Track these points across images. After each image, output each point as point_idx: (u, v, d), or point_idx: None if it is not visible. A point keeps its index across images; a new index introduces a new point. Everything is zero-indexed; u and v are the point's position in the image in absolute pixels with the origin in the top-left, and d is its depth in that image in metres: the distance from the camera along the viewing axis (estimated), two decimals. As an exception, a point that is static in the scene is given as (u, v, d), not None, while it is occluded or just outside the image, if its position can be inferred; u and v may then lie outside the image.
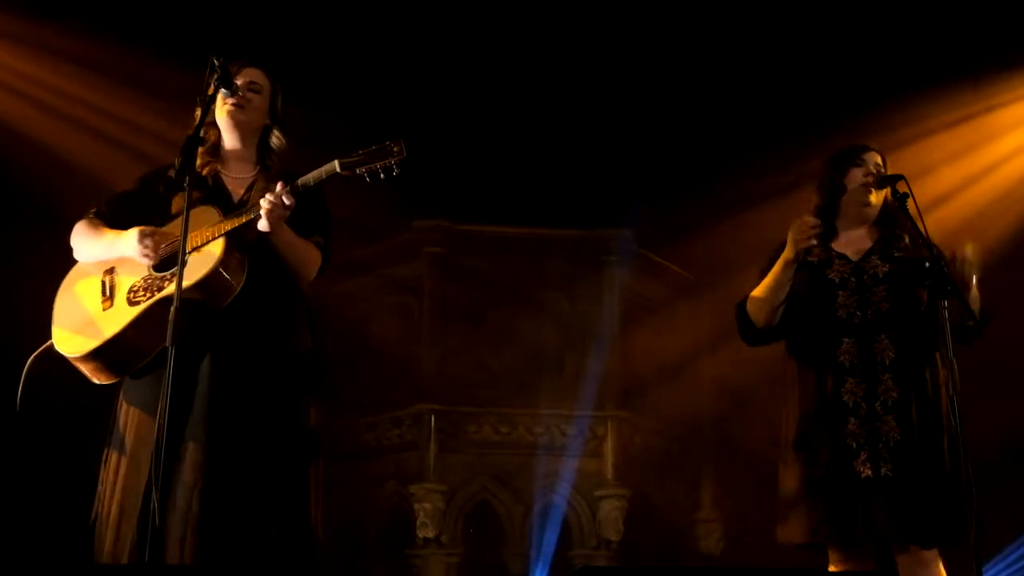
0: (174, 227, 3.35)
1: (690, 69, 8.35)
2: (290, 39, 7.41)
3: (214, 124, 3.55)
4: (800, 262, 3.74)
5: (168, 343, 2.92)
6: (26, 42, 6.82)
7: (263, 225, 3.31)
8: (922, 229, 3.63)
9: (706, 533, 9.82)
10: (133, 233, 3.38)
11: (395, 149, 3.27)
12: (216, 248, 3.31)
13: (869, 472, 3.56)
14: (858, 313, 3.70)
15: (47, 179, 6.80)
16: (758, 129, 8.25)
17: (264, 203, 3.29)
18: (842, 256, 3.81)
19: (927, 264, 3.65)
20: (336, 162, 3.30)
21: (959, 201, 7.29)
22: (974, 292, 3.63)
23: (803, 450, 3.67)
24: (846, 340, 3.68)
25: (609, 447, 9.15)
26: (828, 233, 3.83)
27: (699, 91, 8.46)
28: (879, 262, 3.76)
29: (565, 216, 9.28)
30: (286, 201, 3.27)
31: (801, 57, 7.94)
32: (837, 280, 3.76)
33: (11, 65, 6.88)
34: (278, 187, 3.30)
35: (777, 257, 3.78)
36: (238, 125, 3.53)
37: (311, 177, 3.34)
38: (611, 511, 8.97)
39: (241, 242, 3.36)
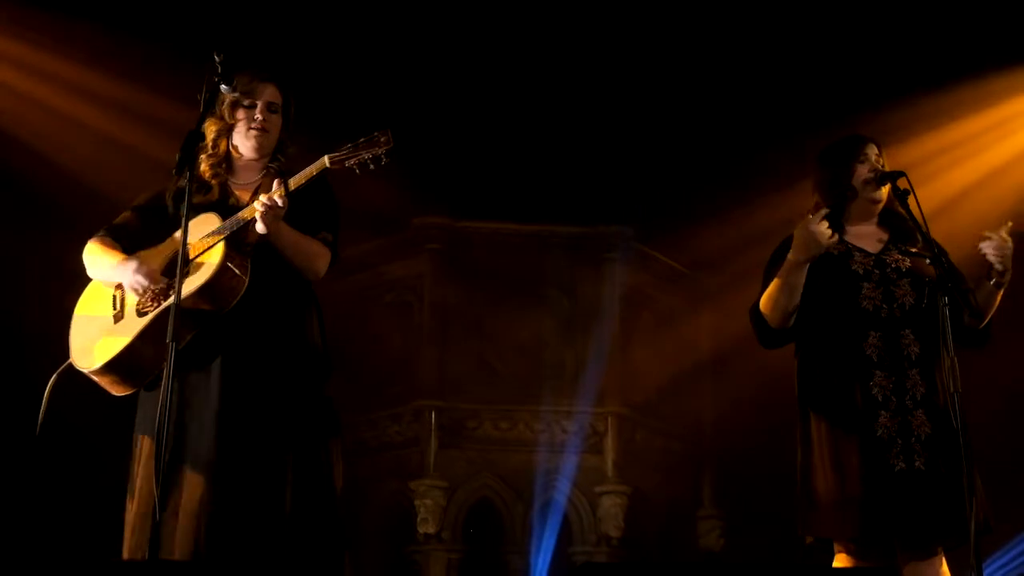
0: (179, 237, 3.35)
1: (691, 66, 8.34)
2: (291, 38, 7.40)
3: (225, 135, 3.56)
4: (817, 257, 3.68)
5: (168, 339, 2.96)
6: (30, 39, 6.79)
7: (260, 227, 3.33)
8: (923, 225, 3.62)
9: (707, 530, 9.83)
10: (130, 265, 3.43)
11: (382, 139, 3.30)
12: (216, 252, 3.34)
13: (903, 465, 3.55)
14: (884, 306, 3.66)
15: (55, 184, 6.81)
16: (760, 125, 8.25)
17: (258, 204, 3.32)
18: (861, 249, 3.77)
19: (928, 261, 3.64)
20: (326, 157, 3.33)
21: (961, 194, 7.26)
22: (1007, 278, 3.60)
23: (833, 444, 3.64)
24: (872, 333, 3.64)
25: (609, 443, 9.16)
26: (836, 229, 3.78)
27: (700, 86, 8.46)
28: (899, 256, 3.73)
29: (566, 213, 9.28)
30: (279, 202, 3.29)
31: (799, 53, 7.93)
32: (861, 272, 3.71)
33: (14, 61, 6.85)
34: (274, 187, 3.32)
35: (779, 256, 3.73)
36: (262, 147, 3.56)
37: (302, 175, 3.36)
38: (611, 507, 8.98)
39: (241, 244, 3.39)
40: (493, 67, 8.45)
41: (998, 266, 3.56)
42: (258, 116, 3.53)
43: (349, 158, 3.30)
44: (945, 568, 3.64)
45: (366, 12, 7.91)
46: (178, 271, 3.10)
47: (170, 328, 2.99)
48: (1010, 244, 3.58)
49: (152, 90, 6.78)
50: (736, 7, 7.96)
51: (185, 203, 3.14)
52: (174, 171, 3.27)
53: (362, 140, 3.31)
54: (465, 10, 8.04)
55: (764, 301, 3.73)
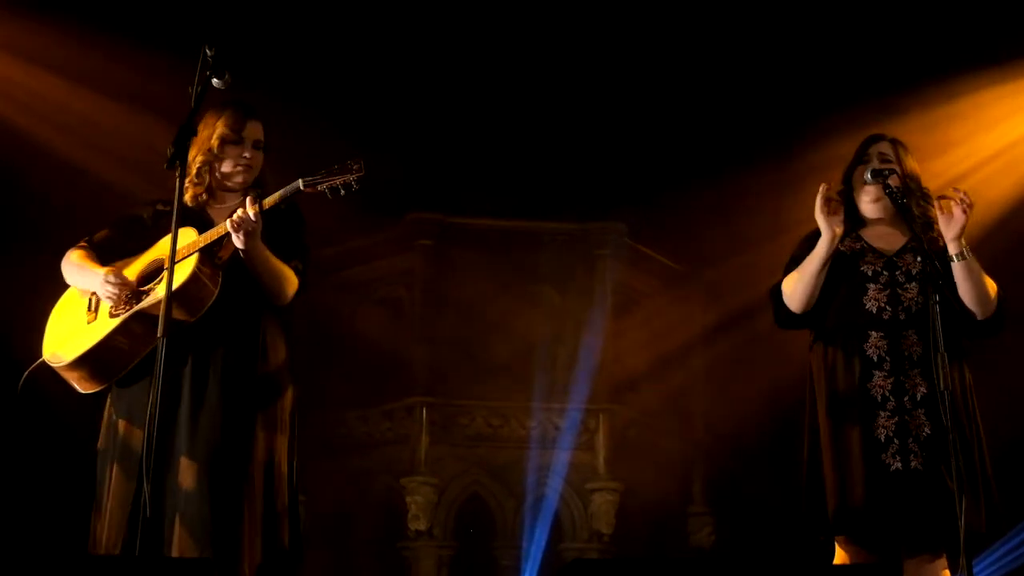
0: (154, 251, 3.66)
1: (682, 62, 8.35)
2: (285, 35, 7.40)
3: (208, 167, 3.71)
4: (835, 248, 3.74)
5: (159, 334, 3.09)
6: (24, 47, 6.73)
7: (238, 242, 3.52)
8: (915, 223, 3.64)
9: (698, 527, 9.84)
10: (100, 273, 3.63)
11: (355, 167, 3.52)
12: (188, 262, 3.55)
13: (899, 465, 3.57)
14: (888, 308, 3.70)
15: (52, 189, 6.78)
16: (754, 121, 8.26)
17: (234, 216, 3.53)
18: (875, 250, 3.81)
19: (918, 258, 3.66)
20: (300, 180, 3.56)
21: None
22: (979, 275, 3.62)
23: (831, 441, 3.67)
24: (874, 334, 3.68)
25: (601, 440, 9.17)
26: (857, 223, 3.84)
27: (692, 83, 8.47)
28: (912, 259, 3.76)
29: (558, 209, 9.29)
30: (251, 216, 3.47)
31: (794, 48, 7.94)
32: (869, 273, 3.76)
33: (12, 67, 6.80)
34: (247, 202, 3.46)
35: (807, 243, 3.80)
36: (246, 182, 3.75)
37: (277, 195, 3.59)
38: (603, 504, 8.99)
39: (213, 257, 3.60)
40: (488, 63, 8.46)
41: (956, 226, 3.57)
42: (246, 155, 3.74)
43: (321, 182, 3.52)
44: (947, 570, 3.66)
45: (363, 8, 7.91)
46: (170, 262, 3.23)
47: (161, 322, 3.13)
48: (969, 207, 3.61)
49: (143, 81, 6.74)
50: (728, 5, 7.97)
51: (174, 206, 3.26)
52: (166, 165, 3.36)
53: (336, 166, 3.54)
54: (458, 7, 8.04)
55: (787, 281, 3.80)
